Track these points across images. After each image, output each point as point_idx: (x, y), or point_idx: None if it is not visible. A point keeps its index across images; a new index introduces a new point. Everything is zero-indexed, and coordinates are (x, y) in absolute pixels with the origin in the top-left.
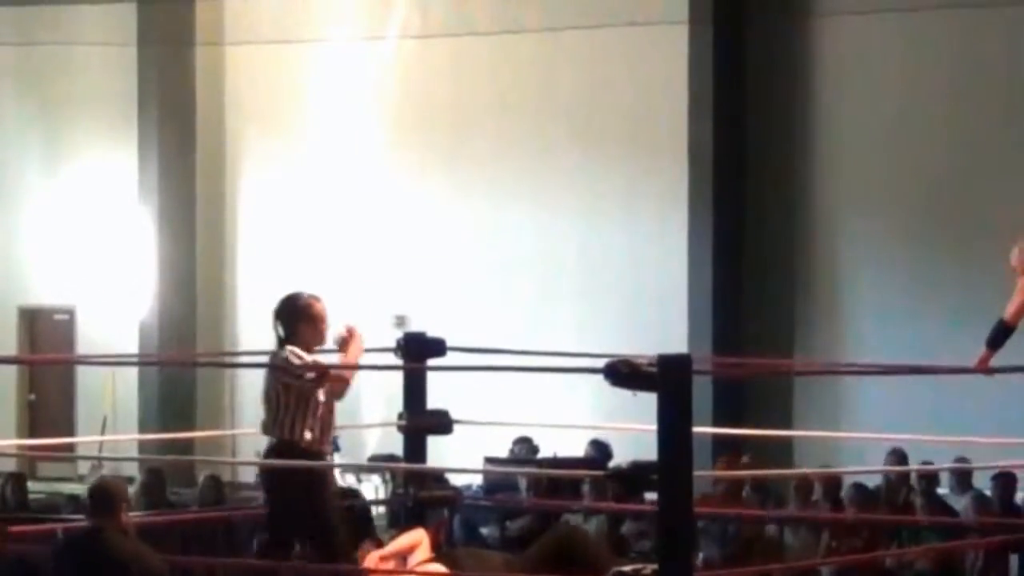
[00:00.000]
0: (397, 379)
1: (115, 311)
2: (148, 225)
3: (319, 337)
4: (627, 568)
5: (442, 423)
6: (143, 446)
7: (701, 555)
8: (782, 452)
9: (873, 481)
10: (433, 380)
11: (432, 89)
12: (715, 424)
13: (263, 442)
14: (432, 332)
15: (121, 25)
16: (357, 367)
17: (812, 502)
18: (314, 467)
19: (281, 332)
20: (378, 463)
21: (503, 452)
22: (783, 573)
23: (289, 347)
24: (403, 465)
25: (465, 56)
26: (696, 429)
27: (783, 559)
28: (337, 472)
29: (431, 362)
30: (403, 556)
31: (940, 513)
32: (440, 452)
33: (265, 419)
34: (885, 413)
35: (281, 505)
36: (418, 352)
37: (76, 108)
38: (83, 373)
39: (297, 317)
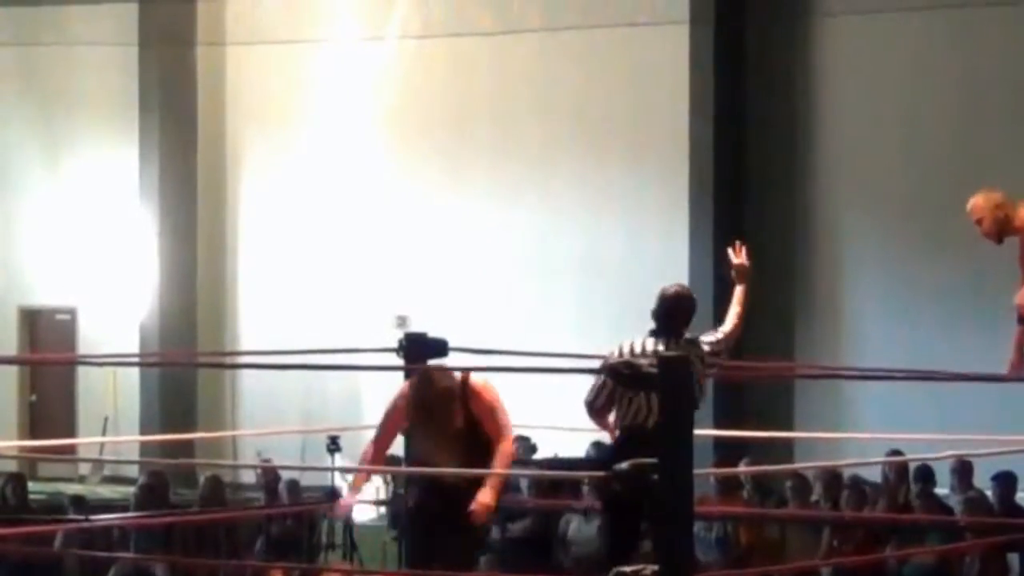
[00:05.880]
0: (398, 380)
1: (116, 311)
2: (149, 225)
3: None
4: (627, 568)
5: None
6: (144, 447)
7: None
8: (783, 454)
9: (872, 480)
10: None
11: (432, 89)
12: (716, 426)
13: (264, 442)
14: (433, 332)
15: (122, 25)
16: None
17: (812, 502)
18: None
19: (671, 327)
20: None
21: None
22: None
23: (711, 336)
24: (403, 469)
25: (465, 56)
26: (696, 431)
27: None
28: (338, 473)
29: (432, 362)
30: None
31: (939, 513)
32: None
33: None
34: (886, 414)
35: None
36: (419, 352)
37: (76, 108)
38: (84, 373)
39: (691, 312)
